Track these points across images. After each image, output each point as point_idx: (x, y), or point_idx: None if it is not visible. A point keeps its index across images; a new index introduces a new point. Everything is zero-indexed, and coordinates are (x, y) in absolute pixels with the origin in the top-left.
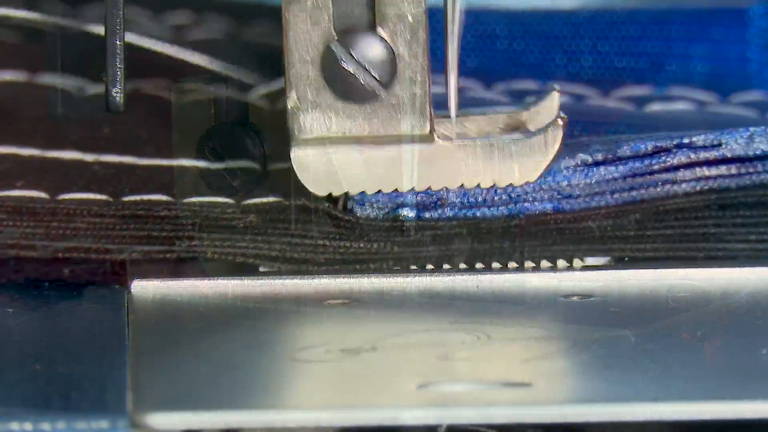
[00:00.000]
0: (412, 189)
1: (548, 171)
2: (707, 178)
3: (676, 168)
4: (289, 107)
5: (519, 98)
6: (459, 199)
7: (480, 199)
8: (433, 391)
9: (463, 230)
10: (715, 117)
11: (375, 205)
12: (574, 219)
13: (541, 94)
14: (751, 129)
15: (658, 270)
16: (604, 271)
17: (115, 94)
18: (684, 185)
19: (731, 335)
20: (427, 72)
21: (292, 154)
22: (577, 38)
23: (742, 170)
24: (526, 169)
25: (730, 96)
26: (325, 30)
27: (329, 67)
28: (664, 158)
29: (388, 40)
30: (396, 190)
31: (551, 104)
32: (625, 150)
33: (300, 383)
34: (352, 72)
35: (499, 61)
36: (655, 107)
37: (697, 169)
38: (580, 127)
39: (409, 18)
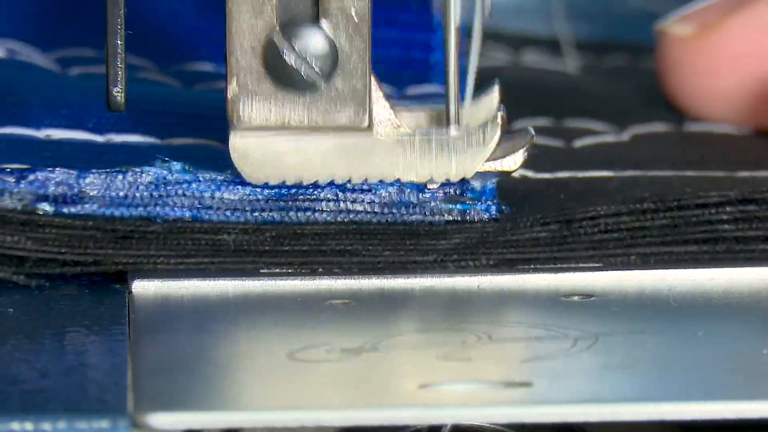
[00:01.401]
0: (349, 180)
1: (193, 179)
2: (349, 211)
3: (320, 200)
4: (228, 96)
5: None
6: (101, 194)
7: (121, 195)
8: (433, 391)
9: (98, 233)
10: None
11: (14, 197)
12: (211, 230)
13: (482, 90)
14: (402, 181)
15: (658, 270)
16: (604, 272)
17: (116, 94)
18: (325, 215)
19: (731, 335)
20: (368, 66)
21: (231, 142)
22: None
23: (385, 210)
24: (463, 164)
25: (406, 88)
26: (267, 21)
27: (271, 58)
28: (312, 191)
29: (331, 34)
30: (332, 181)
31: (491, 99)
32: None
33: (300, 383)
34: (292, 63)
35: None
36: None
37: (342, 204)
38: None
39: (353, 12)
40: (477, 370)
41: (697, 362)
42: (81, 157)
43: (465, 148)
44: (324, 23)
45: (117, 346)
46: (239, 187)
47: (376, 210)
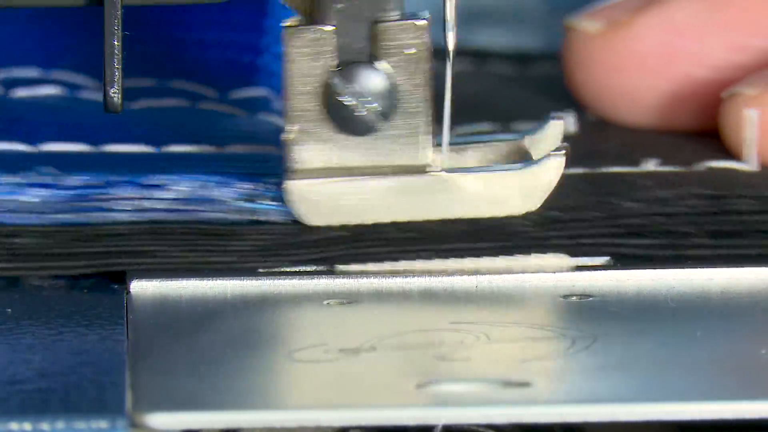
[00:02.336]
0: (410, 221)
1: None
2: (148, 210)
3: (119, 199)
4: (288, 138)
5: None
6: None
7: None
8: (432, 391)
9: None
10: (207, 115)
11: None
12: (7, 233)
13: (542, 123)
14: (204, 178)
15: (657, 270)
16: (603, 271)
17: (113, 95)
18: (125, 214)
19: (730, 335)
20: (428, 104)
21: (289, 186)
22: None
23: (182, 207)
24: (527, 197)
25: (230, 92)
26: (325, 62)
27: (329, 99)
28: (109, 190)
29: (389, 72)
30: (395, 222)
31: (554, 131)
32: (75, 180)
33: (299, 383)
34: (351, 104)
35: None
36: (148, 102)
37: (137, 202)
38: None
39: (411, 50)
40: (475, 370)
41: (696, 362)
42: None
43: (528, 181)
44: (382, 63)
45: (115, 346)
46: (36, 189)
47: (174, 207)
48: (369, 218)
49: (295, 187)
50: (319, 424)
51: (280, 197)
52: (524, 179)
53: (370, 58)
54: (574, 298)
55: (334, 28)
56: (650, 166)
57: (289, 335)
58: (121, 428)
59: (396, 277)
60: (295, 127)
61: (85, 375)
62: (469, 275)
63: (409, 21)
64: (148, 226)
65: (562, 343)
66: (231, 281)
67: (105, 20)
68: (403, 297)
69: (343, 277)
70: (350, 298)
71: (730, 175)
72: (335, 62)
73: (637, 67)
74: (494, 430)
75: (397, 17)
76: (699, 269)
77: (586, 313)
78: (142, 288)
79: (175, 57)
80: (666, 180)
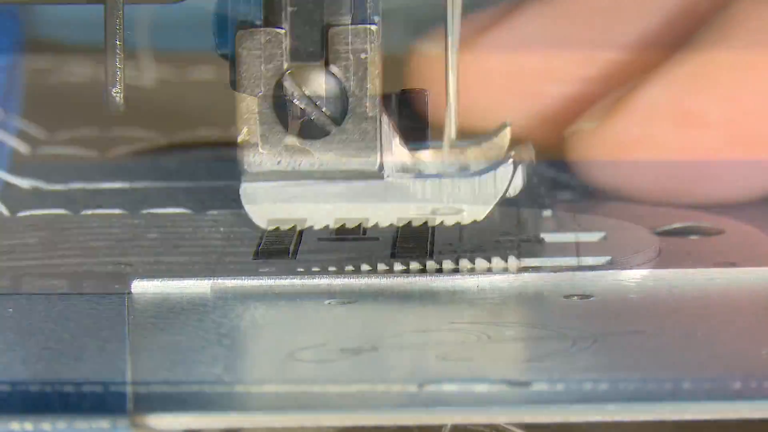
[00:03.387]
0: (359, 224)
1: None
2: None
3: None
4: (240, 141)
5: None
6: None
7: None
8: (433, 391)
9: None
10: None
11: None
12: None
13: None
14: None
15: (658, 270)
16: (604, 271)
17: (114, 94)
18: None
19: (731, 335)
20: (378, 109)
21: (242, 188)
22: None
23: None
24: (474, 207)
25: None
26: (277, 65)
27: (281, 103)
28: None
29: (341, 77)
30: (344, 225)
31: (502, 141)
32: None
33: (300, 383)
34: (302, 108)
35: None
36: None
37: None
38: None
39: (362, 55)
40: (476, 370)
41: (696, 362)
42: None
43: (477, 191)
44: (334, 66)
45: (116, 346)
46: None
47: None
48: (319, 222)
49: (247, 190)
50: (320, 424)
51: None
52: (473, 188)
53: (322, 62)
54: (575, 298)
55: (285, 30)
56: None
57: (290, 335)
58: (122, 428)
59: (396, 276)
60: (246, 130)
61: (86, 375)
62: (469, 275)
63: (362, 25)
64: None
65: (563, 343)
66: (231, 281)
67: (107, 19)
68: (404, 297)
69: (344, 277)
70: (351, 298)
71: None
72: (287, 65)
73: (486, 86)
74: (499, 431)
75: (350, 22)
76: (699, 269)
77: (587, 313)
78: (143, 288)
79: None
80: None
